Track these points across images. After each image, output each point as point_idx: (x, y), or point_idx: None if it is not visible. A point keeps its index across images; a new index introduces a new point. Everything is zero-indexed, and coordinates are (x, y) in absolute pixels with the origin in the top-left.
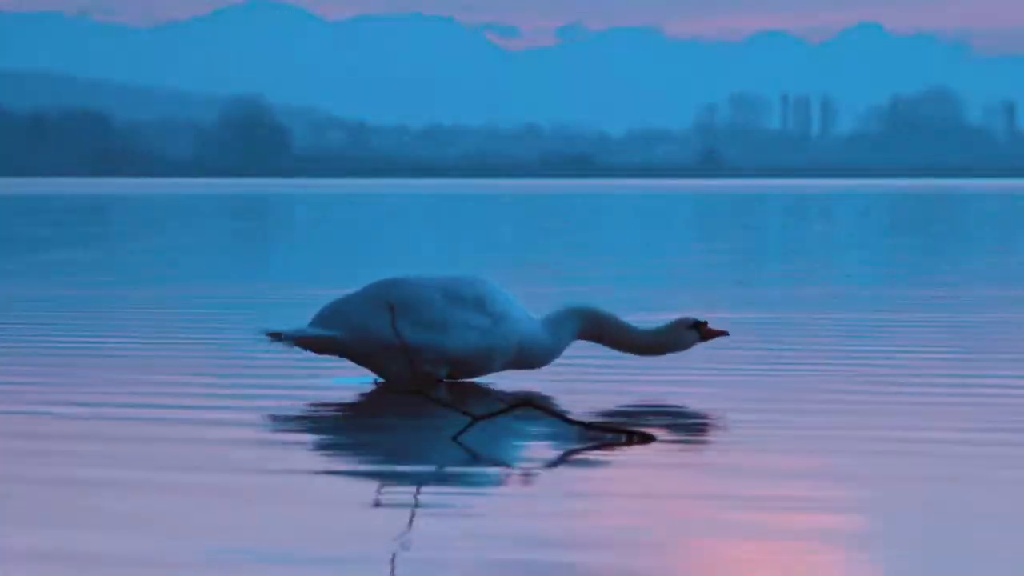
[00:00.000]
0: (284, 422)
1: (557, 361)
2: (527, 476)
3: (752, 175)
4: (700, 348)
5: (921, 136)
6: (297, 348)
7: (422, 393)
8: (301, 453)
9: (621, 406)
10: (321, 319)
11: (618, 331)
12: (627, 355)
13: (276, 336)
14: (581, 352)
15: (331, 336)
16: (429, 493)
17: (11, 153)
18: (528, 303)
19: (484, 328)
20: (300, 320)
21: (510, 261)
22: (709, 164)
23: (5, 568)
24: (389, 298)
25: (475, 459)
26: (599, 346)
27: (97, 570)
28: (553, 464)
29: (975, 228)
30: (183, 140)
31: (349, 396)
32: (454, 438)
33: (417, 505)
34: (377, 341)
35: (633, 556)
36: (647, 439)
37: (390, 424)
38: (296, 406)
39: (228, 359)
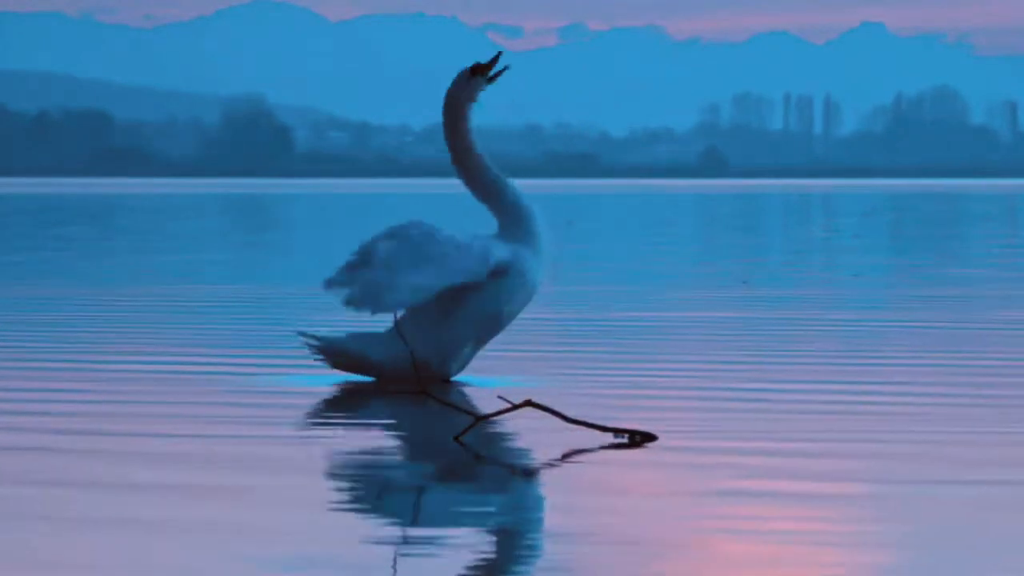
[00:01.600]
0: (286, 422)
1: (557, 360)
2: (529, 476)
3: (755, 175)
4: (701, 345)
5: (924, 136)
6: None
7: (426, 393)
8: (303, 453)
9: (623, 405)
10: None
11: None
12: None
13: (311, 341)
14: (582, 352)
15: (364, 356)
16: (431, 493)
17: (13, 153)
18: None
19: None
20: (301, 320)
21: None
22: (712, 164)
23: None
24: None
25: (477, 459)
26: (600, 346)
27: (97, 556)
28: (555, 463)
29: (977, 228)
30: (185, 140)
31: (351, 396)
32: (456, 438)
33: (419, 504)
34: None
35: (636, 555)
36: (649, 438)
37: (392, 424)
38: (298, 406)
39: (228, 359)
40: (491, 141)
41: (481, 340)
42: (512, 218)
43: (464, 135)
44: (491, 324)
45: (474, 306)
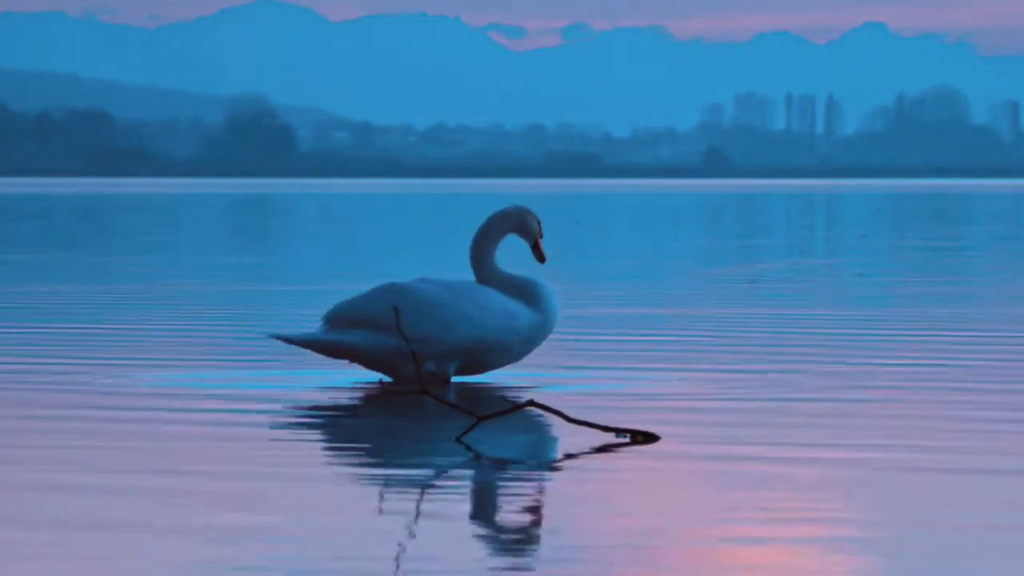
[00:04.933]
0: (290, 422)
1: (560, 360)
2: (531, 475)
3: (757, 175)
4: (705, 345)
5: (926, 135)
6: (305, 349)
7: (428, 393)
8: (306, 452)
9: (625, 406)
10: (333, 319)
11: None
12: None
13: (285, 340)
14: (584, 352)
15: (342, 340)
16: (433, 492)
17: (14, 153)
18: None
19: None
20: (305, 318)
21: (515, 261)
22: (714, 164)
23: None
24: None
25: (479, 459)
26: (603, 345)
27: (100, 559)
28: (557, 464)
29: (979, 227)
30: (187, 140)
31: (354, 396)
32: (458, 438)
33: (421, 504)
34: (385, 343)
35: (638, 555)
36: (651, 438)
37: (395, 424)
38: (301, 406)
39: (232, 359)
40: (493, 141)
41: (461, 369)
42: (527, 287)
43: (488, 263)
44: (470, 354)
45: (463, 331)
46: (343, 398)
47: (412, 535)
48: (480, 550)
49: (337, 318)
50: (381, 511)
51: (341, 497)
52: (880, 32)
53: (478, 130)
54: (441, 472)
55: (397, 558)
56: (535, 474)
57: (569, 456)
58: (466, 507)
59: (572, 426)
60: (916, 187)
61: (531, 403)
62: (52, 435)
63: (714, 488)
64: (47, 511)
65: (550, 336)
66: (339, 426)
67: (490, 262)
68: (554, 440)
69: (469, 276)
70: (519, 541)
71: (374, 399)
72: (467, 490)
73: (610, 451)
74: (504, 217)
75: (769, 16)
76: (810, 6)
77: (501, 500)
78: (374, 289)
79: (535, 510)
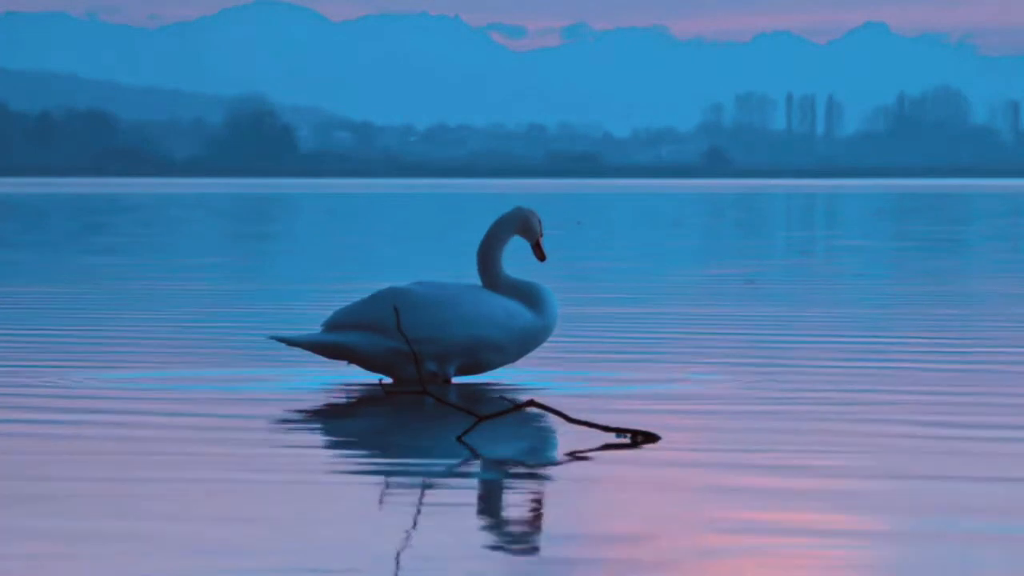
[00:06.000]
0: (289, 422)
1: (560, 359)
2: (531, 475)
3: (757, 175)
4: (706, 346)
5: (926, 136)
6: (305, 351)
7: (428, 393)
8: (308, 452)
9: (626, 405)
10: (332, 325)
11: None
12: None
13: (285, 341)
14: (583, 352)
15: (341, 342)
16: (434, 492)
17: (15, 153)
18: None
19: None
20: (304, 319)
21: (515, 260)
22: (714, 164)
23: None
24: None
25: (479, 459)
26: (604, 345)
27: (102, 561)
28: (558, 463)
29: (980, 227)
30: (188, 140)
31: (354, 396)
32: (459, 438)
33: (421, 504)
34: (385, 344)
35: (638, 554)
36: (652, 438)
37: (396, 423)
38: (301, 406)
39: (233, 359)
40: (494, 141)
41: (461, 369)
42: (529, 290)
43: (495, 265)
44: (469, 355)
45: (462, 332)
46: (343, 398)
47: (412, 535)
48: (480, 550)
49: (336, 325)
50: (381, 511)
51: (341, 497)
52: (880, 32)
53: (479, 130)
54: (441, 472)
55: (397, 558)
56: (535, 474)
57: (570, 456)
58: (466, 507)
59: (572, 426)
60: (916, 187)
61: (531, 403)
62: (46, 436)
63: (715, 488)
64: (45, 508)
65: (550, 337)
66: (339, 426)
67: (496, 266)
68: (554, 440)
69: (470, 277)
70: (520, 541)
71: (374, 399)
72: (467, 490)
73: (611, 451)
74: (508, 220)
75: (769, 16)
76: (810, 6)
77: (501, 500)
78: (372, 295)
79: (535, 510)
